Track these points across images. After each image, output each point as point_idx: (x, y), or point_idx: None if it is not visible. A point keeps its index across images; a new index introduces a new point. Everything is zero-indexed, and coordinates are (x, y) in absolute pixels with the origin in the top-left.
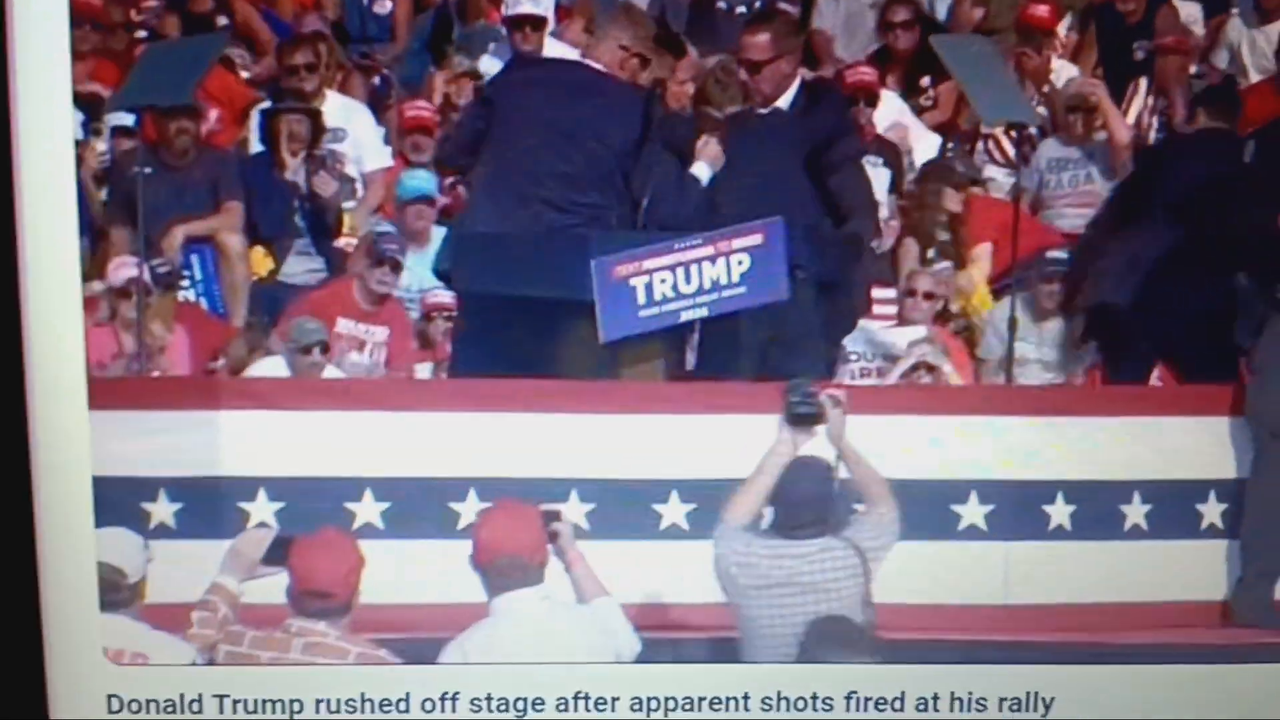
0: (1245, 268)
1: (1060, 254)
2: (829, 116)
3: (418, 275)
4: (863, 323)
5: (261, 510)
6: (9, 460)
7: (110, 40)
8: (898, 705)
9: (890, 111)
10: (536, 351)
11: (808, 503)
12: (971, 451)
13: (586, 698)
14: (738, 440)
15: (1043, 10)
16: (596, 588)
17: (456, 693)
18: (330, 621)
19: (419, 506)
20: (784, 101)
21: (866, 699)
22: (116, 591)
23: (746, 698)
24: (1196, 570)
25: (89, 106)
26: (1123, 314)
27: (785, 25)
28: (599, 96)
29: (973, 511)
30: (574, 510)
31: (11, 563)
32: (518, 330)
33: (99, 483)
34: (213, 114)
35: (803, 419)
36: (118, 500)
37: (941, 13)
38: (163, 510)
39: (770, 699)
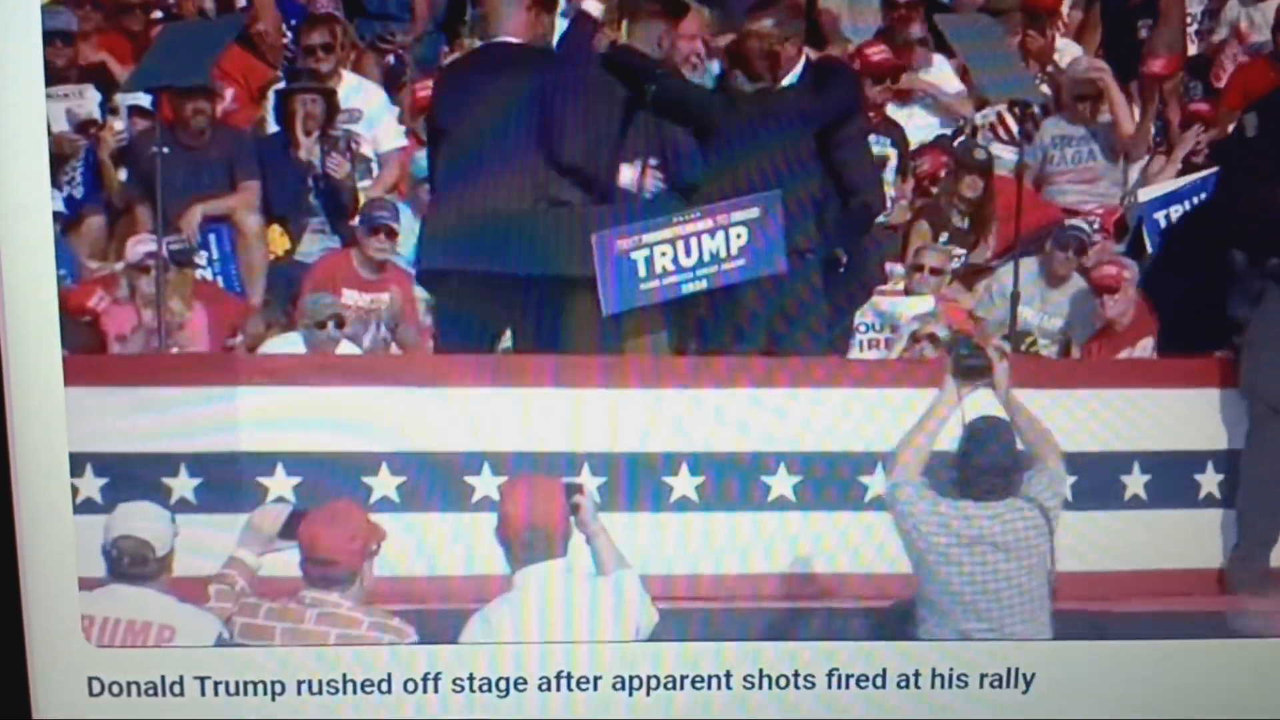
0: (1242, 240)
1: (1080, 223)
2: (840, 94)
3: None
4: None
5: (280, 485)
6: None
7: (126, 20)
8: (879, 682)
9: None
10: (542, 327)
11: (994, 465)
12: None
13: (569, 677)
14: (746, 414)
15: None
16: (617, 559)
17: (438, 673)
18: (342, 591)
19: (434, 480)
20: (789, 80)
21: (848, 676)
22: (144, 565)
23: (729, 675)
24: (1194, 539)
25: (104, 87)
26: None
27: (790, 9)
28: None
29: None
30: (585, 483)
31: None
32: (520, 307)
33: (122, 459)
34: (229, 93)
35: (970, 371)
36: (139, 475)
37: None
38: (183, 485)
39: (752, 677)
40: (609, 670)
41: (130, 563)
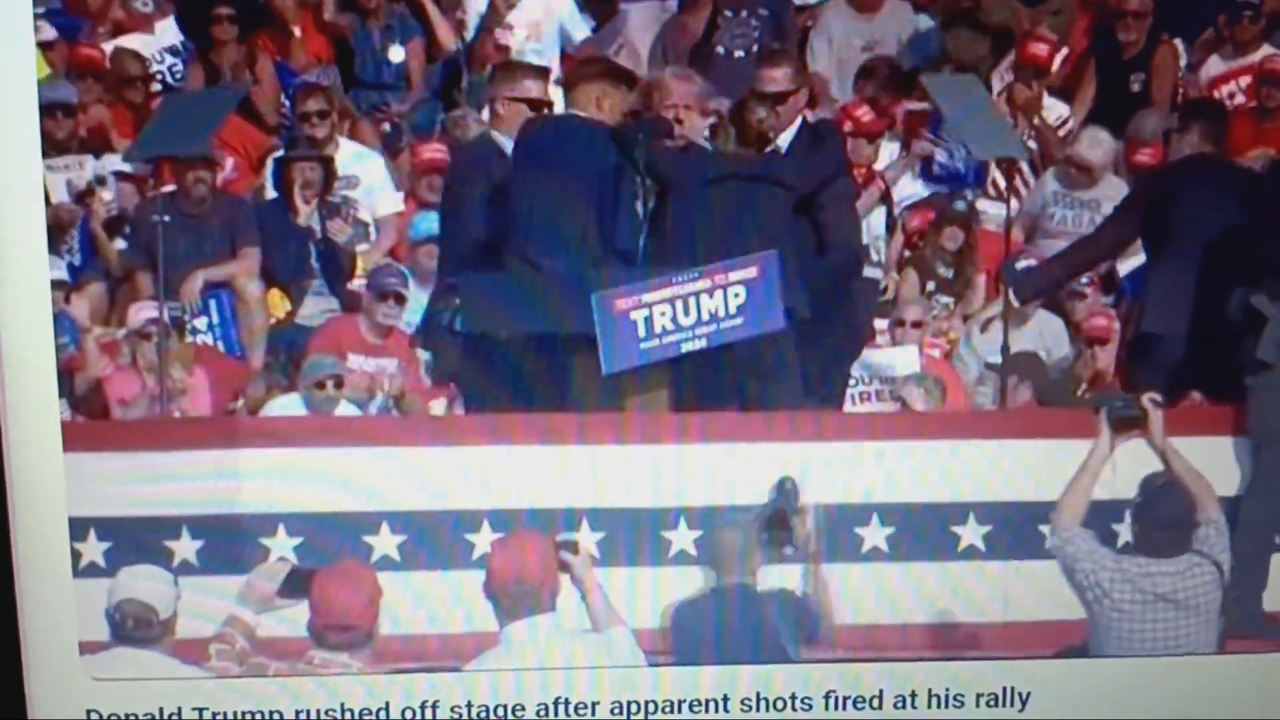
0: (1264, 286)
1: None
2: (829, 158)
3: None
4: None
5: (281, 545)
6: None
7: (127, 92)
8: (876, 704)
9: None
10: (543, 386)
11: (1172, 521)
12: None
13: (567, 703)
14: (742, 468)
15: (1042, 49)
16: (612, 617)
17: (435, 701)
18: (353, 653)
19: (434, 538)
20: (785, 138)
21: (845, 698)
22: (148, 628)
23: (726, 699)
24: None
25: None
26: (1157, 342)
27: (799, 62)
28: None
29: (971, 530)
30: (584, 539)
31: None
32: (524, 367)
33: (124, 523)
34: (229, 162)
35: (1126, 422)
36: (142, 539)
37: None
38: (185, 547)
39: (749, 700)
40: (607, 696)
41: (134, 626)
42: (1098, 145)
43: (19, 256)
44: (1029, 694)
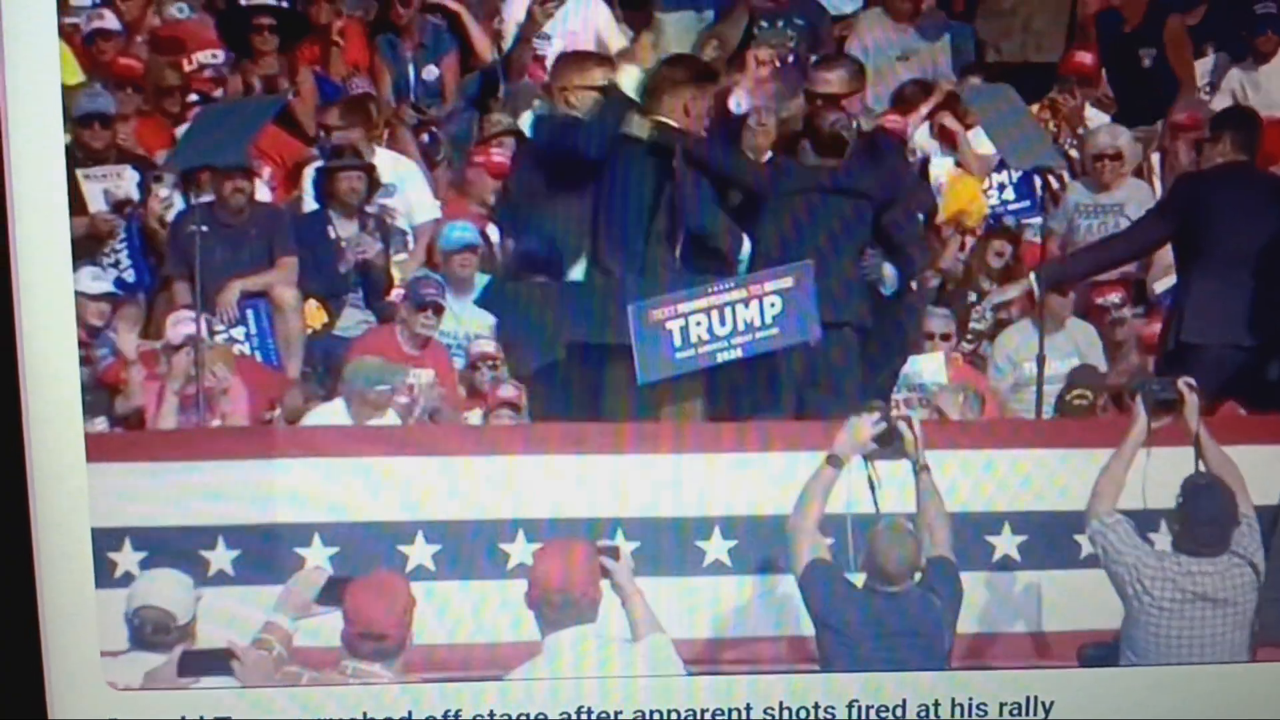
0: None
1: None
2: (897, 166)
3: (463, 321)
4: None
5: (317, 555)
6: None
7: (165, 102)
8: (899, 712)
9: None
10: (580, 395)
11: (1212, 522)
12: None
13: (589, 712)
14: (777, 477)
15: (1087, 58)
16: (651, 624)
17: (458, 710)
18: (385, 662)
19: (469, 548)
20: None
21: (868, 707)
22: (166, 633)
23: (749, 709)
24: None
25: (141, 167)
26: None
27: (855, 66)
28: None
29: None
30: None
31: (12, 587)
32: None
33: (160, 532)
34: (266, 171)
35: (1163, 405)
36: (177, 548)
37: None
38: (221, 557)
39: (772, 709)
40: (630, 706)
41: (152, 631)
42: (1118, 133)
43: (42, 267)
44: (1052, 703)
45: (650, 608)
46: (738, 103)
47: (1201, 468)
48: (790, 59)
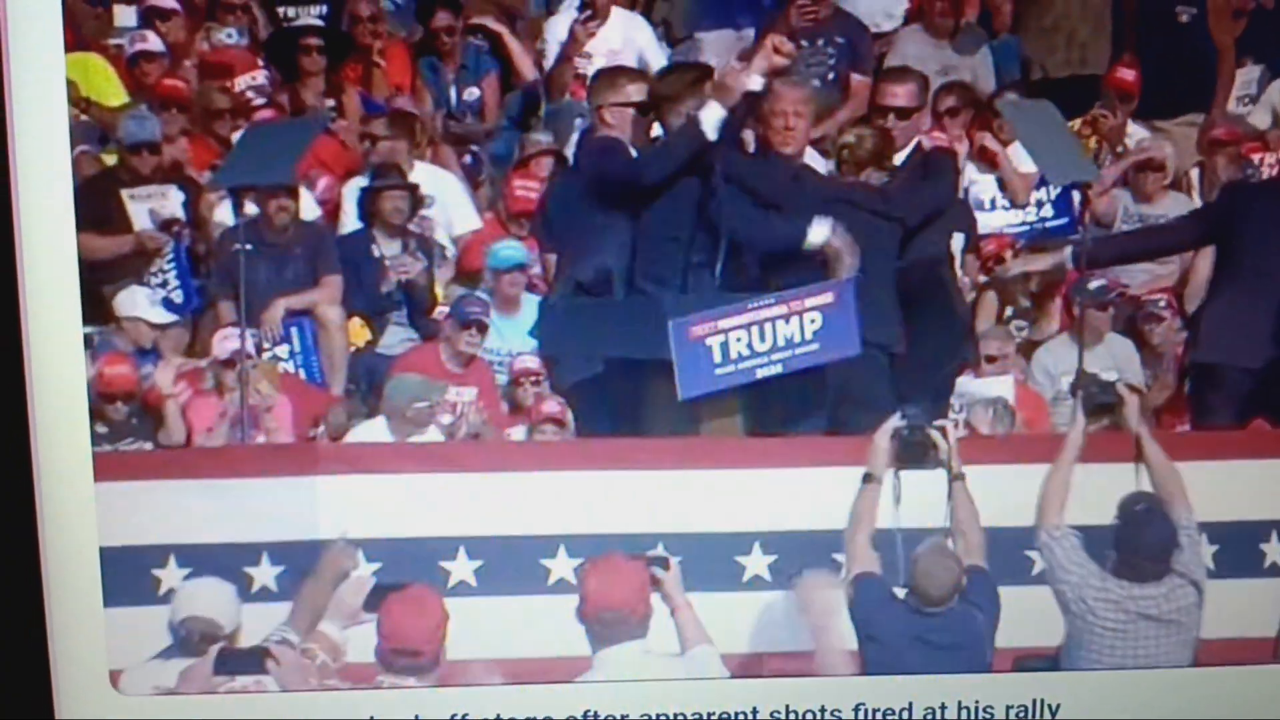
0: None
1: (1158, 298)
2: (941, 189)
3: (508, 340)
4: None
5: (360, 570)
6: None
7: (214, 123)
8: (906, 715)
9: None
10: (621, 411)
11: (1153, 548)
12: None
13: (596, 716)
14: (816, 493)
15: (1129, 75)
16: (699, 635)
17: (465, 714)
18: (420, 677)
19: (511, 564)
20: (899, 158)
21: (874, 710)
22: (213, 642)
23: (755, 712)
24: (1255, 607)
25: (186, 187)
26: (1224, 370)
27: (922, 81)
28: None
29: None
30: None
31: (20, 602)
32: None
33: (204, 549)
34: (322, 181)
35: (1101, 409)
36: (222, 565)
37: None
38: (264, 573)
39: (779, 712)
40: (636, 708)
41: (200, 640)
42: (1160, 138)
43: (50, 280)
44: (1058, 705)
45: (699, 619)
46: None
47: (1143, 474)
48: (830, 76)
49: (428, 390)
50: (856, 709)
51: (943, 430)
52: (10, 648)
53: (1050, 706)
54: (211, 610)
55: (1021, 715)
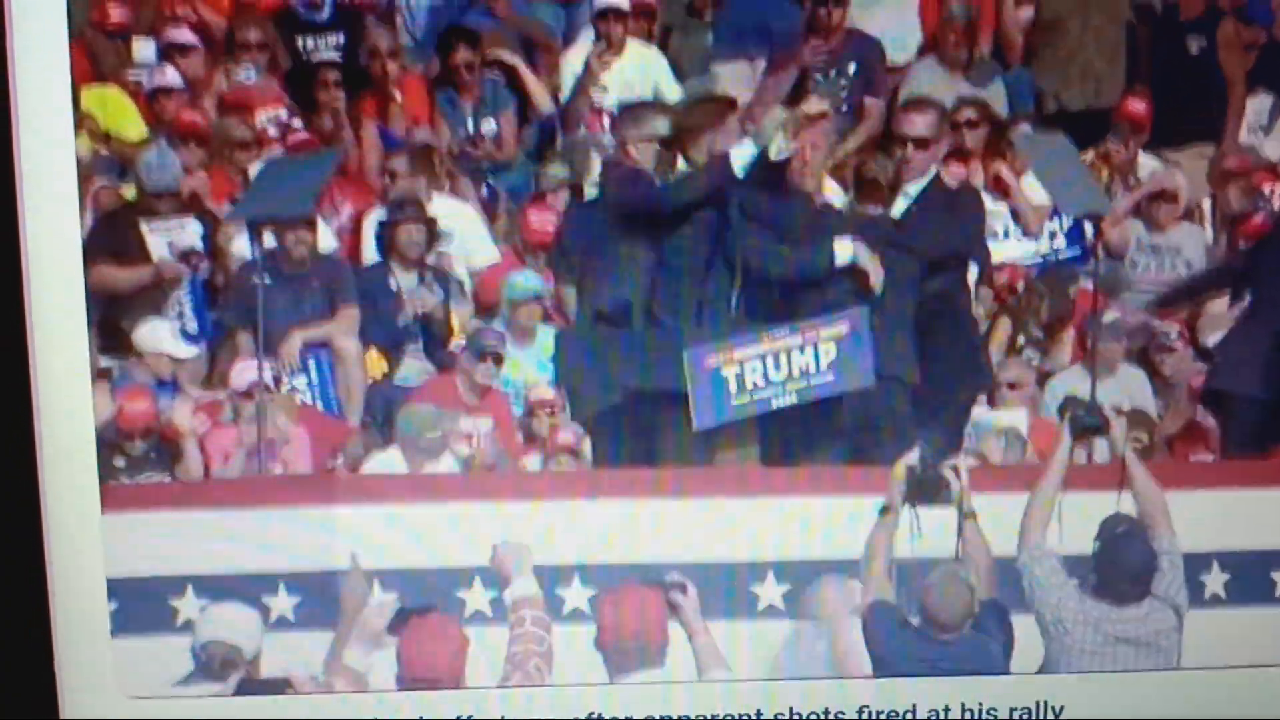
0: None
1: (1167, 328)
2: (967, 228)
3: (524, 371)
4: None
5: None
6: (25, 559)
7: (238, 156)
8: (909, 717)
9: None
10: (636, 441)
11: (1133, 570)
12: None
13: (601, 718)
14: (831, 522)
15: (1139, 107)
16: (716, 661)
17: (470, 716)
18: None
19: None
20: (914, 187)
21: (879, 712)
22: (233, 667)
23: (759, 714)
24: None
25: (205, 219)
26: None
27: (942, 112)
28: None
29: None
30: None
31: (28, 631)
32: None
33: (222, 579)
34: (345, 210)
35: (1087, 430)
36: (239, 595)
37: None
38: (282, 603)
39: (783, 715)
40: (640, 710)
41: (220, 666)
42: (1171, 170)
43: (58, 313)
44: (1062, 708)
45: (716, 645)
46: (778, 150)
47: (1128, 499)
48: (844, 108)
49: (439, 420)
50: (861, 711)
51: (955, 469)
52: (18, 676)
53: (1054, 708)
54: (233, 635)
55: (1025, 717)
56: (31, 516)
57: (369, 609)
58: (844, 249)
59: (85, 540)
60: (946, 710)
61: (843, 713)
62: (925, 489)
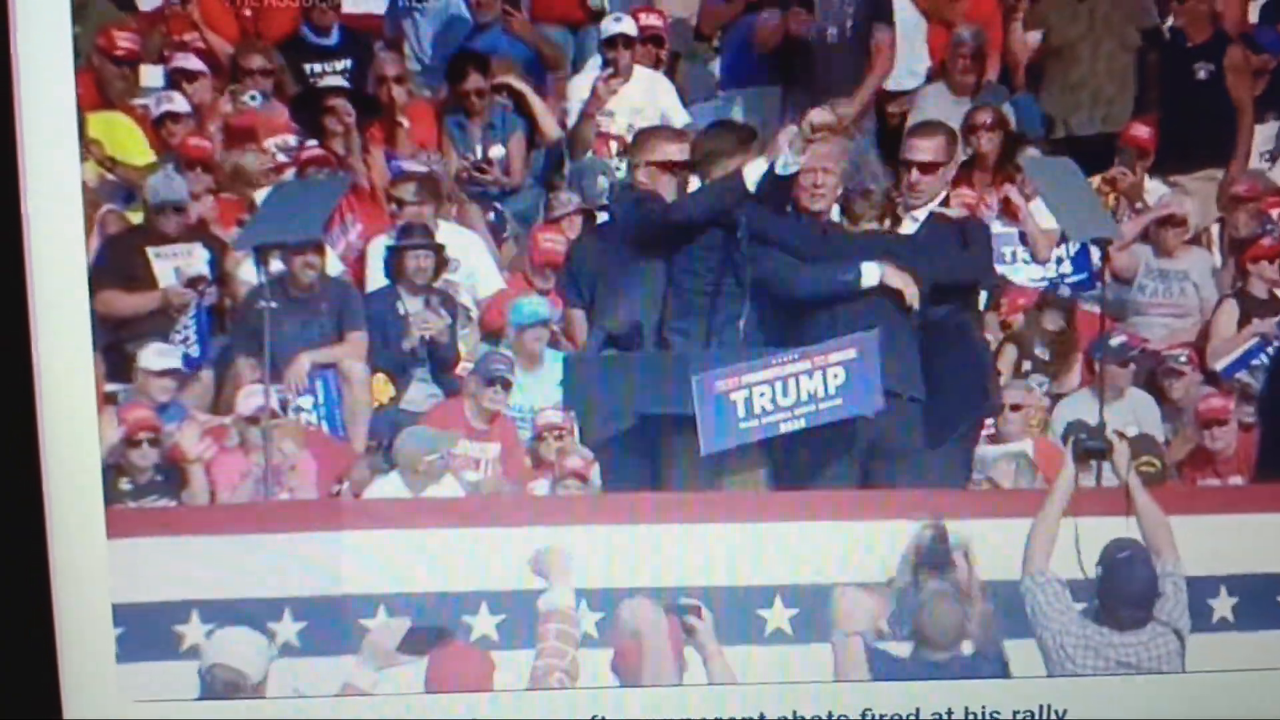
0: None
1: (1176, 353)
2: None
3: (531, 395)
4: None
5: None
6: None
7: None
8: None
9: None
10: (644, 466)
11: (1135, 595)
12: None
13: None
14: (838, 546)
15: (1144, 132)
16: (730, 682)
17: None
18: None
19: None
20: (923, 213)
21: (881, 715)
22: (238, 691)
23: (762, 716)
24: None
25: (212, 245)
26: None
27: (951, 137)
28: None
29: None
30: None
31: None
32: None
33: (227, 604)
34: (355, 230)
35: (1090, 454)
36: (244, 620)
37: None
38: (287, 629)
39: (786, 717)
40: (642, 713)
41: (224, 689)
42: (1179, 193)
43: (64, 339)
44: (1065, 711)
45: (730, 667)
46: (784, 164)
47: (1131, 523)
48: (849, 24)
49: (437, 442)
50: (864, 714)
51: (965, 553)
52: (23, 702)
53: (1057, 711)
54: (239, 660)
55: None
56: (37, 542)
57: (378, 628)
58: (871, 274)
59: (90, 566)
60: (950, 713)
61: (845, 716)
62: (931, 562)
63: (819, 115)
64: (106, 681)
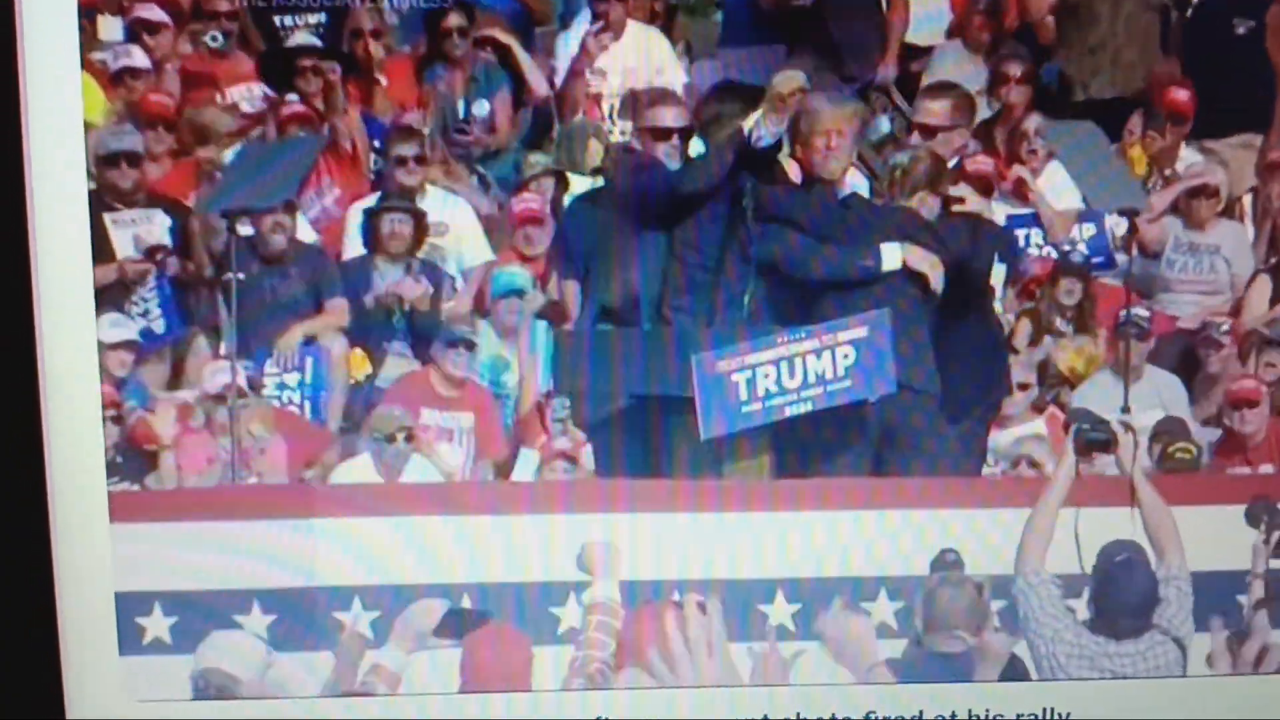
0: None
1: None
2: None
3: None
4: None
5: (357, 618)
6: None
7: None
8: None
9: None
10: (639, 450)
11: (1132, 603)
12: None
13: None
14: (842, 538)
15: (1183, 95)
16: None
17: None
18: None
19: (518, 611)
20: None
21: (884, 718)
22: (231, 697)
23: (765, 719)
24: None
25: (173, 211)
26: None
27: (964, 99)
28: None
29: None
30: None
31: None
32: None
33: (191, 596)
34: (332, 194)
35: (1093, 445)
36: (210, 613)
37: None
38: (256, 622)
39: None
40: (645, 714)
41: (216, 694)
42: (1212, 161)
43: (66, 321)
44: (1069, 714)
45: (734, 663)
46: (762, 135)
47: (1135, 518)
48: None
49: (403, 419)
50: (867, 717)
51: (979, 587)
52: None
53: (1060, 715)
54: (233, 665)
55: None
56: (39, 540)
57: (415, 608)
58: (892, 256)
59: (93, 559)
60: (953, 715)
61: (849, 719)
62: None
63: (784, 81)
64: (108, 680)
